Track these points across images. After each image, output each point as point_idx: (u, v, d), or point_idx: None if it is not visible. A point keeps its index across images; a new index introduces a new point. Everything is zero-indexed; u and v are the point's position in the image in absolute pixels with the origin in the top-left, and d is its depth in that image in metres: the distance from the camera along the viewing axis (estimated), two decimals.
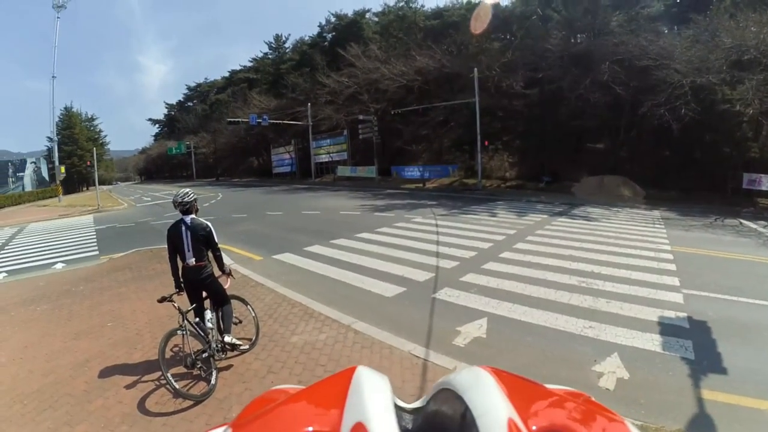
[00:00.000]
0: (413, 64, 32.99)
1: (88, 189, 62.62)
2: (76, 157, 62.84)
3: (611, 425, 0.73)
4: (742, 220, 15.51)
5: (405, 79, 32.80)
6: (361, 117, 35.47)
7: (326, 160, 44.57)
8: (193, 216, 5.03)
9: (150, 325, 6.65)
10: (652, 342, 5.37)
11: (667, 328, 5.78)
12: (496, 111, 29.16)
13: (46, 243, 17.24)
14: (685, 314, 6.25)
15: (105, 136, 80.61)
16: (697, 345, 5.28)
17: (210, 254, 5.12)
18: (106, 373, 5.25)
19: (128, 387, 4.84)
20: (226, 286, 5.30)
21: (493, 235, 11.89)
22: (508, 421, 0.60)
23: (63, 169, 44.20)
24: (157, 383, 4.83)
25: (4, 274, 12.14)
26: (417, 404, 0.85)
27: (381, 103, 35.13)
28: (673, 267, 8.74)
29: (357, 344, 5.62)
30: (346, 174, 39.91)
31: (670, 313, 6.27)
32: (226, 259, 5.82)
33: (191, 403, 4.41)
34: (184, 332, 4.69)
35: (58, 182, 45.46)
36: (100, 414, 4.39)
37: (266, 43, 67.73)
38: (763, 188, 19.62)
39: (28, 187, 63.15)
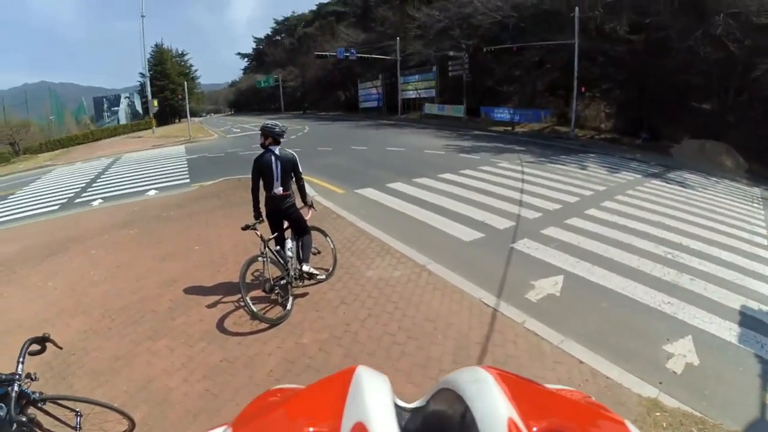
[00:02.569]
0: None
1: (179, 121, 65.32)
2: (168, 91, 65.54)
3: (611, 425, 0.75)
4: None
5: (500, 14, 30.81)
6: (451, 53, 34.33)
7: (414, 96, 43.71)
8: (280, 147, 5.16)
9: (234, 250, 7.10)
10: (730, 331, 5.12)
11: (747, 320, 5.46)
12: (596, 56, 26.88)
13: (140, 172, 18.52)
14: None
15: (196, 70, 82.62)
16: None
17: (294, 185, 5.31)
18: (190, 292, 5.71)
19: (209, 306, 5.27)
20: (307, 217, 5.50)
21: (580, 189, 11.57)
22: (508, 421, 0.62)
23: (156, 102, 46.64)
24: (237, 305, 5.22)
25: (101, 201, 13.44)
26: (417, 404, 0.87)
27: (473, 39, 33.57)
28: (766, 254, 8.12)
29: (429, 285, 5.74)
30: (433, 112, 39.01)
31: (754, 304, 5.88)
32: (309, 191, 6.14)
33: (266, 325, 4.75)
34: (265, 259, 4.96)
35: (151, 115, 48.26)
36: (181, 330, 4.83)
37: None
38: None
39: (123, 121, 67.39)
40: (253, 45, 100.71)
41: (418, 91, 42.79)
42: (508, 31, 31.12)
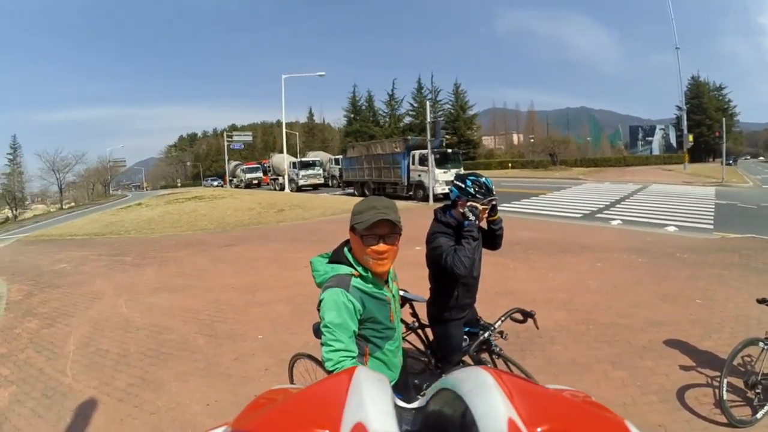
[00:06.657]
0: None
1: (714, 160, 60.48)
2: (705, 127, 62.73)
3: (611, 424, 0.71)
4: None
5: None
6: None
7: None
8: None
9: (736, 321, 5.93)
10: None
11: None
12: None
13: (663, 204, 18.39)
14: None
15: (735, 106, 73.92)
16: None
17: None
18: (671, 344, 5.18)
19: (684, 369, 4.65)
20: None
21: None
22: (508, 421, 0.60)
23: (691, 137, 45.93)
24: (708, 381, 4.37)
25: (620, 222, 14.17)
26: (417, 404, 0.86)
27: None
28: None
29: None
30: None
31: None
32: None
33: (723, 420, 3.77)
34: (766, 347, 4.02)
35: (684, 149, 47.42)
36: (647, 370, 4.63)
37: None
38: None
39: (655, 152, 70.22)
40: None
41: None
42: None
